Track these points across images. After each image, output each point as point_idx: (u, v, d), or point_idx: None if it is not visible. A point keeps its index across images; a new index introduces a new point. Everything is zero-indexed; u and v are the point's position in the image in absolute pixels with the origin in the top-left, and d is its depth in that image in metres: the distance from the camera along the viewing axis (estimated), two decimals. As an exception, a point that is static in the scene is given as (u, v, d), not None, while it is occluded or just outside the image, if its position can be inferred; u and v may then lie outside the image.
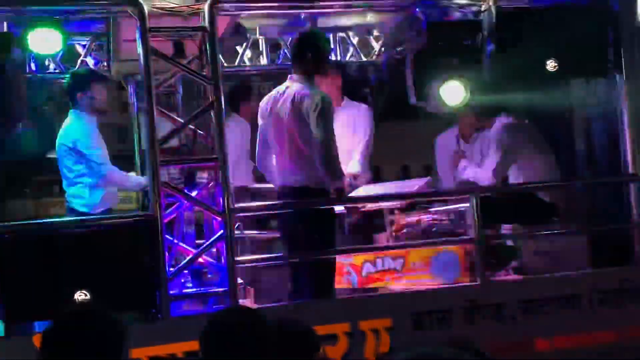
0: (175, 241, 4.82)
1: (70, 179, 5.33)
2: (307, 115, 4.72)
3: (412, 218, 5.36)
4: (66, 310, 2.38)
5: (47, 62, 6.22)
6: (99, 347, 2.25)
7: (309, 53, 4.88)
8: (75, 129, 5.33)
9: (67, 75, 5.56)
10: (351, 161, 5.73)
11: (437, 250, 5.10)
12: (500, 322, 4.79)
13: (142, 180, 5.53)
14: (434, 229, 5.31)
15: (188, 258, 4.69)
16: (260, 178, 5.75)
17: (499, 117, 5.74)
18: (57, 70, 6.23)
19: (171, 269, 4.54)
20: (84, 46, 6.19)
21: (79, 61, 6.16)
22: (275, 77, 6.53)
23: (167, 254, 4.52)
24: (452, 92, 5.08)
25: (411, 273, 5.11)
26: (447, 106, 5.13)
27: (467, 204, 4.94)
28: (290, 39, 6.34)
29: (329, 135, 4.71)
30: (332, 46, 6.64)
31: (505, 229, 5.30)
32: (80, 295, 4.25)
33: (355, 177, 5.58)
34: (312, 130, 4.70)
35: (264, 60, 6.78)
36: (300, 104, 4.74)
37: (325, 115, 4.72)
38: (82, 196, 5.30)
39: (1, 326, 4.39)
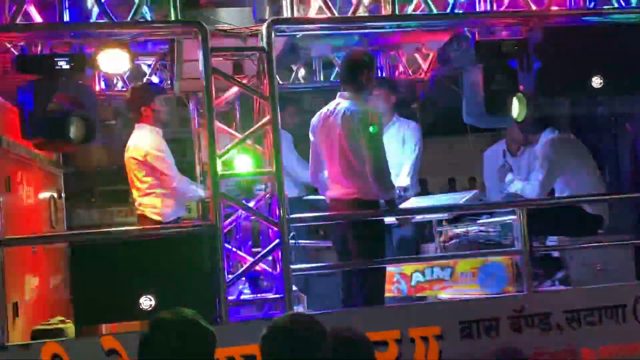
0: (234, 249, 4.90)
1: (142, 190, 5.36)
2: (357, 130, 4.75)
3: (460, 229, 5.34)
4: (161, 316, 2.43)
5: (115, 80, 6.38)
6: (193, 354, 2.29)
7: (359, 71, 4.93)
8: (145, 143, 5.36)
9: (130, 91, 5.59)
10: (401, 175, 5.75)
11: (484, 261, 5.07)
12: (546, 331, 4.74)
13: (202, 192, 5.62)
14: (482, 240, 5.27)
15: (246, 265, 4.77)
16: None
17: (545, 131, 5.69)
18: (123, 89, 6.39)
19: (229, 275, 4.61)
20: (149, 65, 6.35)
21: (144, 79, 6.31)
22: (327, 94, 6.60)
23: (226, 261, 4.59)
24: (515, 107, 5.06)
25: (459, 282, 5.10)
26: (501, 121, 5.10)
27: (514, 216, 4.90)
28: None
29: (379, 149, 4.75)
30: (380, 64, 6.70)
31: (552, 240, 5.24)
32: (146, 300, 4.35)
33: (404, 189, 5.59)
34: (363, 145, 4.73)
35: (317, 78, 6.85)
36: (351, 120, 4.78)
37: (376, 131, 4.76)
38: (155, 205, 5.33)
39: (72, 328, 4.52)
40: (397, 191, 5.26)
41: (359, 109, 4.83)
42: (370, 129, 4.72)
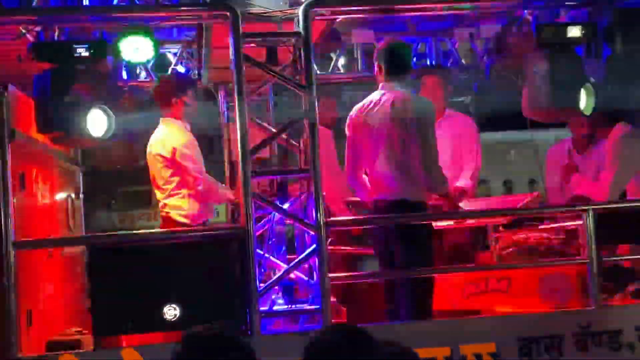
0: (266, 255, 4.90)
1: (167, 190, 5.35)
2: (409, 122, 4.75)
3: (519, 236, 5.28)
4: (196, 333, 2.46)
5: (138, 70, 6.45)
6: None
7: (406, 60, 5.00)
8: (173, 139, 5.34)
9: (161, 81, 5.60)
10: (461, 177, 5.71)
11: (546, 271, 5.00)
12: (616, 350, 4.67)
13: (230, 194, 5.63)
14: (543, 248, 5.20)
15: (279, 273, 4.76)
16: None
17: (617, 126, 5.58)
18: (147, 79, 6.45)
19: (261, 284, 4.61)
20: (174, 54, 6.41)
21: (170, 69, 6.37)
22: (369, 85, 6.57)
23: (257, 268, 4.59)
24: (583, 99, 4.98)
25: (517, 295, 5.03)
26: (567, 115, 5.02)
27: (580, 221, 4.82)
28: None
29: (432, 142, 4.77)
30: (428, 52, 6.67)
31: (623, 248, 5.15)
32: (170, 310, 4.38)
33: (463, 192, 5.54)
34: (414, 137, 4.73)
35: (358, 67, 6.83)
36: (402, 110, 4.80)
37: (429, 121, 4.78)
38: (181, 207, 5.34)
39: (90, 339, 4.57)
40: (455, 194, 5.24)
41: (411, 98, 4.87)
42: (424, 118, 4.72)
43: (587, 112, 5.07)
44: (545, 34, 4.95)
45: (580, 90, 4.99)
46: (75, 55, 4.51)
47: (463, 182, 5.72)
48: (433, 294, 4.94)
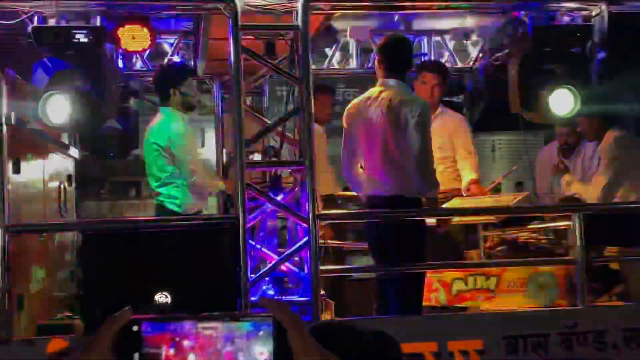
0: (258, 246, 4.91)
1: (162, 179, 5.36)
2: (405, 122, 4.76)
3: (508, 235, 5.31)
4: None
5: (134, 60, 6.45)
6: None
7: (407, 58, 4.98)
8: (170, 127, 5.33)
9: (160, 70, 5.59)
10: (465, 172, 5.76)
11: (534, 270, 5.04)
12: (601, 350, 4.69)
13: (221, 184, 5.65)
14: (532, 247, 5.24)
15: (271, 264, 4.78)
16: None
17: (610, 130, 5.61)
18: (143, 68, 6.45)
19: (252, 275, 4.62)
20: (170, 44, 6.40)
21: (165, 59, 6.37)
22: (363, 81, 6.59)
23: (249, 259, 4.61)
24: (561, 102, 4.99)
25: (505, 293, 5.07)
26: (554, 117, 5.03)
27: (570, 222, 4.86)
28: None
29: (427, 143, 4.76)
30: (423, 50, 6.69)
31: (610, 250, 5.19)
32: (161, 297, 4.39)
33: (475, 182, 5.60)
34: (409, 137, 4.74)
35: (353, 64, 6.85)
36: (398, 110, 4.79)
37: (425, 123, 4.78)
38: (175, 197, 5.33)
39: (81, 324, 4.58)
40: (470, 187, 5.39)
41: (408, 98, 4.86)
42: (420, 119, 4.73)
43: (571, 115, 5.06)
44: (540, 36, 5.00)
45: (565, 92, 4.98)
46: (74, 40, 4.52)
47: (471, 174, 5.75)
48: (423, 290, 4.97)
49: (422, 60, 6.35)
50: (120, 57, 6.30)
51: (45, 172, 5.97)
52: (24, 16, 4.68)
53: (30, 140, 5.42)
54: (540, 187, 6.29)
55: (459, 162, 5.84)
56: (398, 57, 4.94)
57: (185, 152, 5.32)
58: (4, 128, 4.42)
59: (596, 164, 5.61)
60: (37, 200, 5.70)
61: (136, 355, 1.12)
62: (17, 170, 5.02)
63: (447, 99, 6.49)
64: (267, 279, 4.87)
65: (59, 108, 4.48)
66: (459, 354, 4.57)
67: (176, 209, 5.30)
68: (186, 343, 1.13)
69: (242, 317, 1.15)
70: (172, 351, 1.12)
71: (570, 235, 4.88)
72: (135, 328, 1.12)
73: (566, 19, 5.07)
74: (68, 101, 4.47)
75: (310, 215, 4.64)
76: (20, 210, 4.99)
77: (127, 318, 1.12)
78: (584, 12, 5.05)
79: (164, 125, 5.36)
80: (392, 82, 4.91)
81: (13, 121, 4.61)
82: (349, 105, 5.13)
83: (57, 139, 6.27)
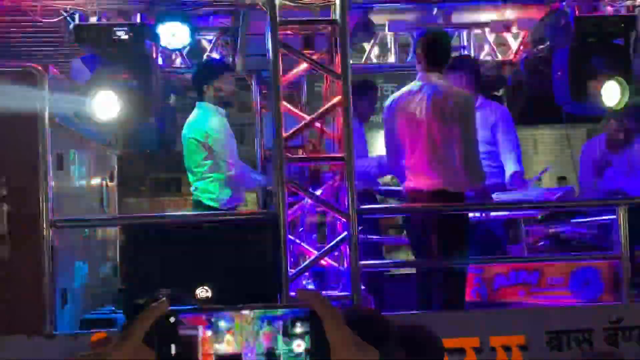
0: (297, 241, 4.92)
1: (199, 174, 5.38)
2: (450, 115, 4.73)
3: (551, 229, 5.25)
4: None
5: (173, 57, 6.49)
6: None
7: (447, 52, 4.96)
8: (206, 122, 5.36)
9: (195, 66, 5.61)
10: (508, 165, 5.69)
11: (577, 265, 4.97)
12: (646, 346, 4.61)
13: (261, 179, 5.66)
14: (575, 242, 5.17)
15: (311, 259, 4.77)
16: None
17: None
18: (182, 65, 6.49)
19: (292, 270, 4.63)
20: (209, 41, 6.44)
21: (204, 56, 6.41)
22: (400, 77, 6.56)
23: (289, 254, 4.62)
24: (610, 93, 4.91)
25: (548, 288, 5.01)
26: (602, 108, 4.95)
27: (614, 216, 4.78)
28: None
29: (472, 136, 4.75)
30: (462, 44, 6.64)
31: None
32: (202, 292, 4.43)
33: (521, 174, 5.55)
34: (454, 130, 4.71)
35: (391, 59, 6.82)
36: (443, 103, 4.76)
37: (470, 115, 4.75)
38: (211, 191, 5.35)
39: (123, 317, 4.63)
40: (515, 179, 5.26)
41: (453, 91, 4.84)
42: (465, 112, 4.71)
43: (618, 107, 4.99)
44: (583, 26, 4.92)
45: (611, 84, 4.91)
46: (115, 37, 4.57)
47: (517, 166, 5.68)
48: (465, 285, 4.93)
49: (459, 54, 6.30)
50: (159, 54, 6.38)
51: (88, 168, 6.05)
52: (66, 14, 4.75)
53: (73, 137, 5.49)
54: (584, 181, 6.19)
55: (502, 154, 5.76)
56: (439, 51, 4.91)
57: (222, 146, 5.34)
58: (47, 124, 4.48)
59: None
60: (80, 196, 5.77)
61: (172, 347, 1.12)
62: (60, 166, 5.09)
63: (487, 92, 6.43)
64: (306, 274, 4.87)
65: (106, 104, 4.54)
66: (501, 350, 4.53)
67: (212, 203, 5.32)
68: (222, 324, 1.12)
69: (279, 307, 1.14)
70: (209, 332, 1.12)
71: (614, 229, 4.80)
72: (172, 319, 1.12)
73: (609, 9, 4.98)
74: (116, 98, 4.53)
75: (350, 210, 4.63)
76: (63, 205, 5.06)
77: (164, 309, 1.12)
78: (628, 2, 4.96)
79: (200, 120, 5.39)
80: (433, 75, 4.88)
81: (56, 118, 4.67)
82: (389, 100, 5.10)
83: (100, 135, 6.34)
